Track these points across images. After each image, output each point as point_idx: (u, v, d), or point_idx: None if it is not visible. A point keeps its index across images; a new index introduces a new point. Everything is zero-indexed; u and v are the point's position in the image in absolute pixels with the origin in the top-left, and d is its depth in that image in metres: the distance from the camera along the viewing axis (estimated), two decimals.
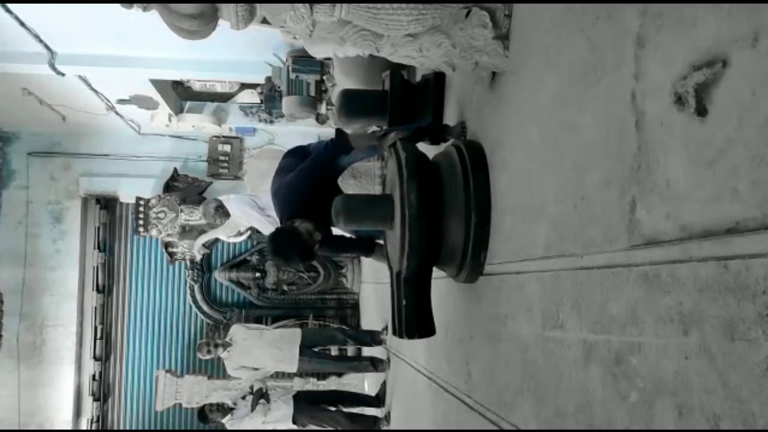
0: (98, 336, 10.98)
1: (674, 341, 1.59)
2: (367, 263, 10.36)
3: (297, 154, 4.37)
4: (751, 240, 1.35)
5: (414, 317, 3.44)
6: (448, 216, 3.32)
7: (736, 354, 1.37)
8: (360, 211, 3.61)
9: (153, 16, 2.88)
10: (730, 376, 1.38)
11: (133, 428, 11.21)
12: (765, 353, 1.27)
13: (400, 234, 3.26)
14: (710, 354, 1.45)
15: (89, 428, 10.93)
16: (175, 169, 11.00)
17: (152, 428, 11.17)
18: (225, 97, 10.23)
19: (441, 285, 4.41)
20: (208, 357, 7.50)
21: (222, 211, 8.83)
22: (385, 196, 3.53)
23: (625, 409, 1.83)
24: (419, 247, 3.24)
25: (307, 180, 4.08)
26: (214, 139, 10.99)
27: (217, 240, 10.47)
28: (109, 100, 9.51)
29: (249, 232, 9.07)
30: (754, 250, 1.33)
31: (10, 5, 6.54)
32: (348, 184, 7.36)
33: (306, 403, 7.40)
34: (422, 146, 4.62)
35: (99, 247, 10.90)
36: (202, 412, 7.41)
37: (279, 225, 4.27)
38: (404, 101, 4.98)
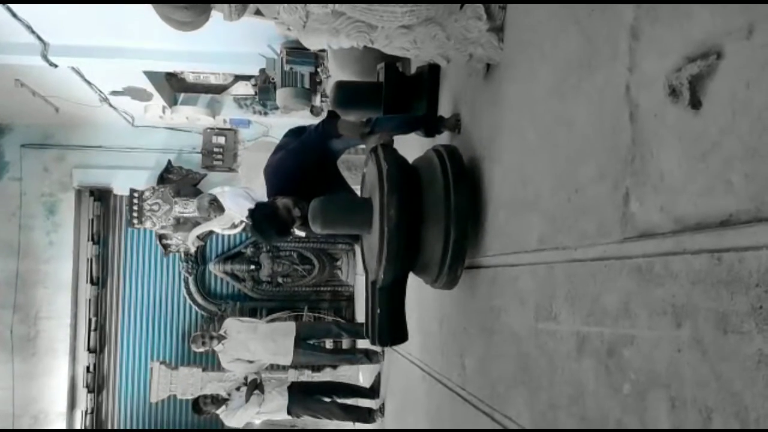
0: (92, 328, 10.95)
1: (667, 334, 1.60)
2: None
3: (295, 133, 4.36)
4: (744, 232, 1.35)
5: (387, 326, 3.45)
6: (427, 227, 3.29)
7: (728, 346, 1.37)
8: (337, 216, 3.59)
9: (146, 7, 2.86)
10: (722, 369, 1.38)
11: (128, 419, 11.21)
12: (757, 346, 1.27)
13: (378, 245, 3.24)
14: (703, 346, 1.45)
15: (83, 419, 10.92)
16: (169, 161, 10.96)
17: (147, 419, 11.17)
18: (219, 89, 10.19)
19: None
20: (202, 349, 7.50)
21: (216, 205, 8.82)
22: (363, 202, 3.49)
23: (618, 401, 1.83)
24: (396, 261, 3.24)
25: (294, 160, 4.08)
26: (209, 131, 10.95)
27: (211, 232, 10.45)
28: (102, 92, 9.46)
29: (243, 225, 9.06)
30: (748, 242, 1.33)
31: None
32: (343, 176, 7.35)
33: (301, 394, 7.41)
34: (417, 140, 4.62)
35: (93, 239, 10.86)
36: (197, 404, 7.41)
37: None
38: (399, 93, 4.98)
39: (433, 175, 3.33)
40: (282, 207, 3.85)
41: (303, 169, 4.01)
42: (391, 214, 3.14)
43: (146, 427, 11.21)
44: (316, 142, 4.07)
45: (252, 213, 4.02)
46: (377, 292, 3.40)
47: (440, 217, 3.22)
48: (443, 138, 4.22)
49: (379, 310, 3.41)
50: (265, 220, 3.92)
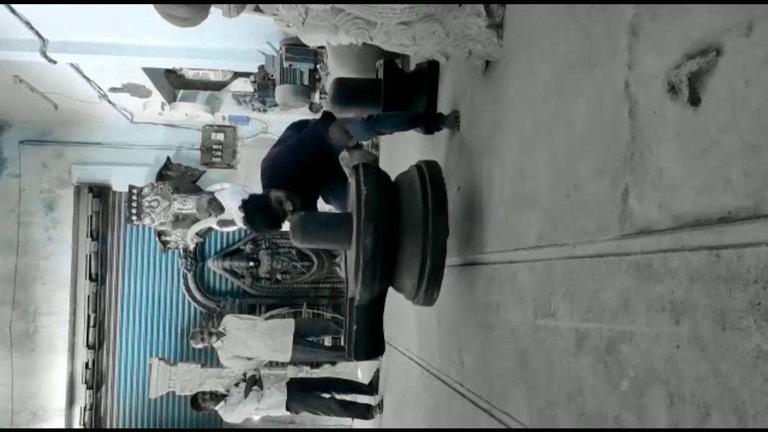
0: (91, 324, 10.94)
1: (665, 330, 1.60)
2: None
3: (297, 127, 4.35)
4: (743, 229, 1.35)
5: (363, 341, 3.48)
6: (404, 253, 3.29)
7: (727, 343, 1.37)
8: (317, 232, 3.60)
9: (145, 4, 2.86)
10: (720, 365, 1.39)
11: (127, 416, 11.21)
12: (756, 342, 1.28)
13: (354, 268, 3.26)
14: (701, 343, 1.46)
15: (82, 416, 10.92)
16: (168, 158, 10.95)
17: (145, 416, 11.17)
18: (218, 86, 10.17)
19: None
20: (201, 345, 7.51)
21: (215, 204, 8.81)
22: (344, 218, 3.49)
23: (617, 397, 1.84)
24: (371, 286, 3.25)
25: (290, 155, 4.08)
26: (208, 127, 10.94)
27: (210, 229, 10.44)
28: (101, 89, 9.45)
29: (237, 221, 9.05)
30: (746, 239, 1.33)
31: None
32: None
33: (299, 391, 7.42)
34: (416, 137, 4.62)
35: (92, 236, 10.85)
36: (195, 400, 7.42)
37: None
38: (398, 90, 4.98)
39: (413, 200, 3.32)
40: (274, 200, 3.85)
41: (299, 165, 4.01)
42: (366, 243, 3.15)
43: (145, 424, 11.21)
44: (313, 139, 4.07)
45: (245, 204, 4.03)
46: (354, 309, 3.42)
47: (418, 245, 3.22)
48: (443, 135, 4.22)
49: (355, 327, 3.43)
50: (256, 211, 3.93)
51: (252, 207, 3.96)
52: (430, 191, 3.29)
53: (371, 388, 7.54)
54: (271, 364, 8.98)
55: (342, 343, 9.06)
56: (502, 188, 3.07)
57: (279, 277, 10.95)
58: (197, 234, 10.47)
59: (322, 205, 4.51)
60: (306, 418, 9.75)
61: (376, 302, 3.40)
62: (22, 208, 10.86)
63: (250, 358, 7.48)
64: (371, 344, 3.49)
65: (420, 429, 4.87)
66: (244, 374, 7.57)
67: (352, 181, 3.43)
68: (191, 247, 10.74)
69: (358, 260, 3.19)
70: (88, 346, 10.95)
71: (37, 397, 10.94)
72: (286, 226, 3.87)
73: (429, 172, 3.40)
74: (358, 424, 8.28)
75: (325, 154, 4.13)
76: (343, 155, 4.05)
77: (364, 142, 7.88)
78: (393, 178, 3.68)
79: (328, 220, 3.70)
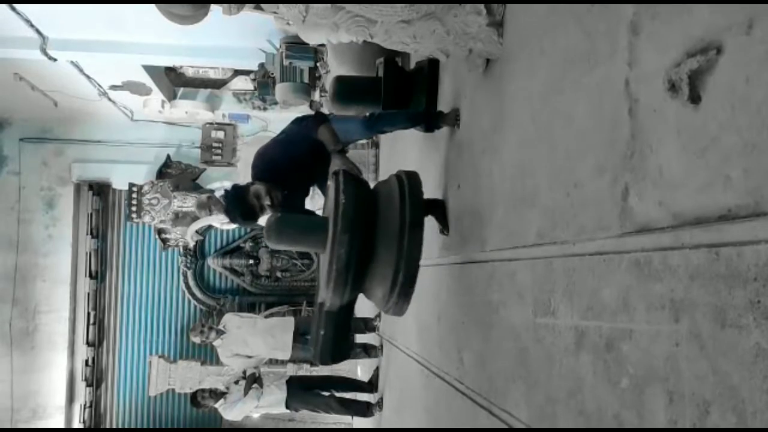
0: (91, 322, 10.95)
1: (665, 328, 1.60)
2: None
3: (300, 121, 4.34)
4: (742, 227, 1.35)
5: (329, 347, 3.49)
6: (377, 264, 3.29)
7: (726, 340, 1.37)
8: (291, 235, 3.61)
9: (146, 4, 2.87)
10: (720, 363, 1.39)
11: (127, 413, 11.22)
12: (755, 340, 1.28)
13: (326, 274, 3.27)
14: (701, 341, 1.46)
15: (82, 413, 10.93)
16: (168, 156, 10.96)
17: (145, 413, 11.18)
18: (218, 84, 10.18)
19: (433, 272, 4.41)
20: (200, 338, 7.49)
21: (215, 202, 8.80)
22: (320, 224, 3.49)
23: (616, 395, 1.84)
24: (341, 295, 3.26)
25: (278, 150, 4.09)
26: (208, 125, 10.94)
27: (210, 227, 10.45)
28: (101, 86, 9.45)
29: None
30: (746, 237, 1.33)
31: None
32: None
33: (299, 388, 7.41)
34: (416, 135, 4.63)
35: (92, 234, 10.86)
36: (195, 398, 7.42)
37: None
38: (398, 88, 4.98)
39: (391, 212, 3.32)
40: (253, 192, 3.85)
41: (287, 160, 3.99)
42: (340, 254, 3.16)
43: (145, 421, 11.22)
44: (303, 136, 4.05)
45: (225, 193, 4.03)
46: (323, 313, 3.43)
47: (391, 258, 3.22)
48: (443, 133, 4.22)
49: (323, 332, 3.45)
50: (233, 201, 3.94)
51: (230, 197, 3.97)
52: (408, 205, 3.29)
53: (371, 385, 7.55)
54: (271, 362, 9.00)
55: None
56: (502, 186, 3.07)
57: (279, 275, 10.96)
58: (197, 232, 10.48)
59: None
60: (305, 416, 9.76)
61: (346, 309, 3.41)
62: (22, 205, 10.87)
63: (249, 356, 7.48)
64: (337, 349, 3.51)
65: (420, 429, 4.87)
66: (244, 372, 7.56)
67: (331, 185, 3.43)
68: (191, 244, 10.75)
69: (331, 268, 3.20)
70: (88, 343, 10.96)
71: (37, 395, 10.95)
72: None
73: (409, 185, 3.39)
74: (358, 421, 8.29)
75: (317, 150, 4.11)
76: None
77: (363, 141, 7.91)
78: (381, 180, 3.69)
79: (304, 225, 3.69)
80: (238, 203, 3.91)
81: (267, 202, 3.84)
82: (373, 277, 3.29)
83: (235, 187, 4.05)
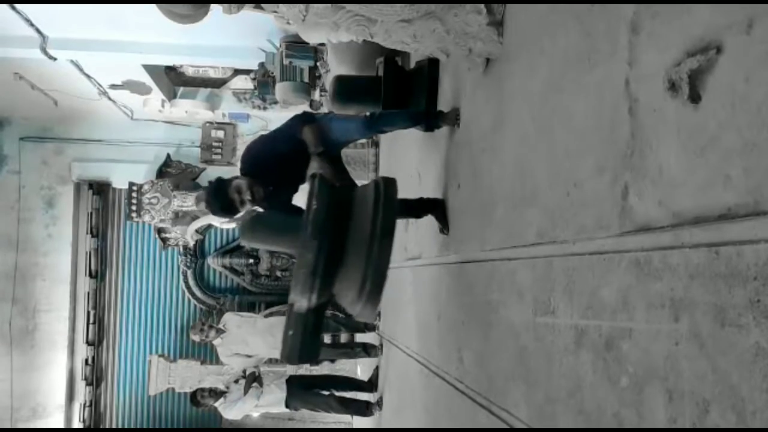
0: (91, 321, 10.95)
1: (665, 327, 1.60)
2: None
3: (293, 118, 4.33)
4: (742, 226, 1.35)
5: (297, 347, 3.50)
6: (346, 270, 3.30)
7: (726, 339, 1.37)
8: (264, 235, 3.68)
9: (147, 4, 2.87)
10: (720, 362, 1.39)
11: (126, 412, 11.22)
12: (755, 339, 1.28)
13: (295, 277, 3.28)
14: (701, 340, 1.46)
15: (82, 412, 10.93)
16: (168, 155, 10.95)
17: (145, 412, 11.19)
18: (218, 83, 10.17)
19: (433, 271, 4.42)
20: (199, 337, 7.49)
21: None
22: (292, 226, 3.49)
23: (616, 394, 1.84)
24: (309, 298, 3.27)
25: (262, 145, 4.09)
26: (208, 125, 10.93)
27: (210, 226, 10.44)
28: (101, 86, 9.44)
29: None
30: (746, 236, 1.34)
31: None
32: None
33: (299, 388, 7.41)
34: (415, 134, 4.63)
35: (92, 233, 10.86)
36: (195, 397, 7.42)
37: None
38: (398, 87, 4.98)
39: (364, 219, 3.32)
40: (234, 186, 3.84)
41: (272, 155, 3.97)
42: (308, 259, 3.17)
43: (145, 420, 11.22)
44: (288, 134, 4.03)
45: (209, 184, 4.03)
46: (292, 314, 3.44)
47: (360, 265, 3.23)
48: (443, 132, 4.22)
49: (291, 332, 3.46)
50: (213, 193, 3.93)
51: (211, 189, 3.97)
52: (381, 214, 3.29)
53: (370, 385, 7.55)
54: (271, 361, 9.00)
55: (340, 341, 9.08)
56: (501, 185, 3.07)
57: (279, 274, 10.95)
58: (197, 231, 10.48)
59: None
60: (305, 415, 9.76)
61: (315, 311, 3.43)
62: (22, 204, 10.87)
63: (249, 356, 7.48)
64: (305, 350, 3.52)
65: (419, 429, 4.87)
66: (244, 371, 7.56)
67: (310, 189, 3.44)
68: (191, 244, 10.75)
69: (299, 272, 3.22)
70: (87, 342, 10.96)
71: (37, 394, 10.95)
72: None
73: (384, 194, 3.39)
74: (358, 421, 8.29)
75: (303, 149, 4.09)
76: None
77: (363, 140, 7.91)
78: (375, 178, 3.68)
79: (277, 226, 3.71)
80: (218, 196, 3.90)
81: (247, 197, 3.83)
82: (343, 281, 3.30)
83: (218, 179, 4.05)
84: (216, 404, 7.32)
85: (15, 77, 8.77)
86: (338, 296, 3.43)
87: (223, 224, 9.82)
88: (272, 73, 8.47)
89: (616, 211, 1.90)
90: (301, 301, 3.26)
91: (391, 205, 3.36)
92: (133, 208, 10.35)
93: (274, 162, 3.94)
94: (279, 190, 4.00)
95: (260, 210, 4.15)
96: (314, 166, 3.63)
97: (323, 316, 3.60)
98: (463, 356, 3.64)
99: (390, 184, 3.46)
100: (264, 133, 4.63)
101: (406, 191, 5.05)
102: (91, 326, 10.96)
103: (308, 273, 3.18)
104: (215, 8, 3.03)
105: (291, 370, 9.15)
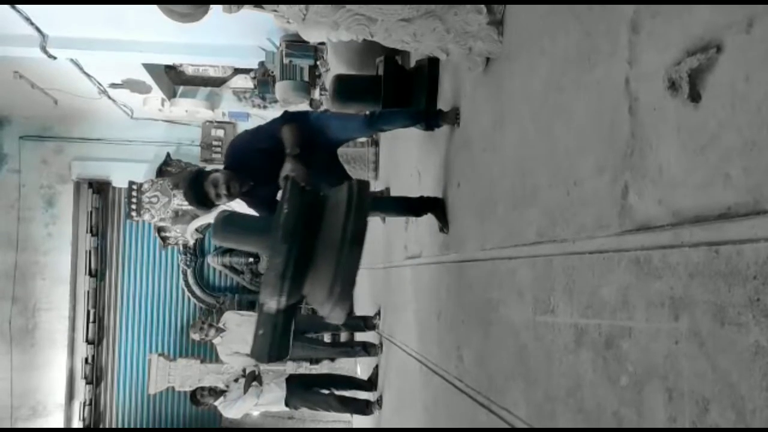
0: (91, 320, 10.97)
1: (665, 326, 1.60)
2: None
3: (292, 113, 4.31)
4: (742, 225, 1.35)
5: (266, 346, 3.52)
6: (317, 270, 3.30)
7: (726, 338, 1.38)
8: (235, 235, 3.72)
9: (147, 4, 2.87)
10: (719, 360, 1.39)
11: (126, 411, 11.24)
12: (754, 337, 1.28)
13: (264, 278, 3.30)
14: (700, 338, 1.46)
15: (81, 411, 10.94)
16: (168, 154, 10.96)
17: (145, 411, 11.20)
18: (218, 82, 10.18)
19: (433, 270, 4.42)
20: (199, 335, 7.50)
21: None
22: (265, 227, 3.49)
23: (615, 393, 1.84)
24: (278, 300, 3.28)
25: (245, 142, 4.09)
26: (207, 124, 10.95)
27: (210, 225, 10.44)
28: (101, 84, 9.45)
29: None
30: (746, 235, 1.34)
31: None
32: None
33: (299, 386, 7.41)
34: (415, 133, 4.62)
35: (91, 232, 10.87)
36: (194, 396, 7.43)
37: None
38: (398, 87, 4.98)
39: (335, 223, 3.31)
40: (210, 179, 3.83)
41: (253, 150, 3.95)
42: (276, 263, 3.18)
43: (144, 419, 11.24)
44: (271, 133, 4.02)
45: (189, 173, 4.03)
46: (263, 314, 3.46)
47: (330, 269, 3.23)
48: (443, 131, 4.22)
49: (261, 332, 3.48)
50: (189, 183, 3.92)
51: (189, 179, 3.96)
52: (353, 219, 3.28)
53: (370, 384, 7.55)
54: None
55: (340, 340, 9.08)
56: (501, 184, 3.08)
57: None
58: (197, 230, 10.48)
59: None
60: (305, 414, 9.77)
61: (285, 312, 3.44)
62: (22, 203, 10.88)
63: (249, 355, 7.48)
64: (274, 349, 3.54)
65: (419, 429, 4.87)
66: (244, 370, 7.57)
67: (282, 189, 3.44)
68: (191, 243, 10.76)
69: (268, 274, 3.24)
70: (87, 341, 10.98)
71: (37, 393, 10.97)
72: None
73: (357, 198, 3.38)
74: (357, 420, 8.29)
75: (282, 148, 4.07)
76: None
77: (363, 139, 7.91)
78: (365, 180, 3.67)
79: (248, 226, 3.73)
80: (194, 187, 3.89)
81: (223, 191, 3.82)
82: (314, 282, 3.31)
83: (198, 170, 4.05)
84: (216, 403, 7.33)
85: (15, 76, 8.79)
86: (309, 297, 3.44)
87: None
88: (272, 72, 8.48)
89: (616, 210, 1.91)
90: (270, 302, 3.28)
91: (362, 211, 3.36)
92: (133, 207, 10.36)
93: (256, 158, 3.91)
94: (260, 186, 3.98)
95: (241, 205, 4.14)
96: (287, 168, 3.58)
97: (294, 316, 3.61)
98: (462, 355, 3.64)
99: (363, 189, 3.44)
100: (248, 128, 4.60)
101: (406, 190, 5.06)
102: (91, 325, 10.98)
103: (277, 276, 3.19)
104: (215, 7, 3.03)
105: (291, 368, 9.17)
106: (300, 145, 3.73)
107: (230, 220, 3.73)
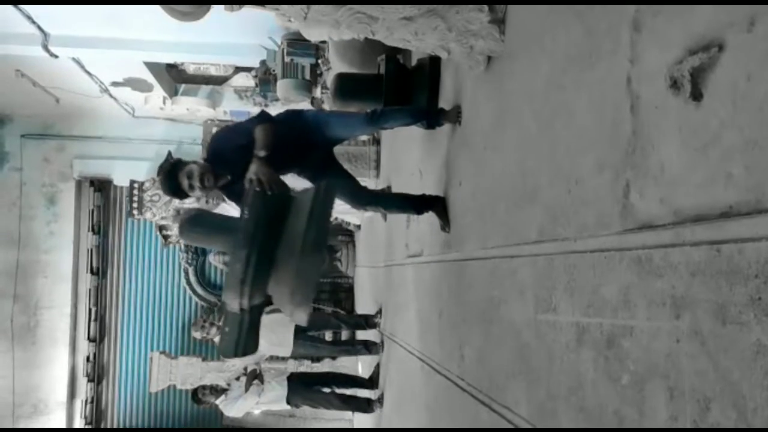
0: (92, 318, 10.98)
1: (666, 324, 1.60)
2: (362, 248, 10.37)
3: (288, 114, 4.30)
4: (744, 224, 1.35)
5: (232, 343, 3.53)
6: (278, 274, 3.30)
7: (727, 337, 1.38)
8: (200, 234, 3.73)
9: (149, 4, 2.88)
10: (721, 359, 1.39)
11: (128, 409, 11.25)
12: (756, 336, 1.28)
13: (226, 280, 3.32)
14: (702, 337, 1.46)
15: (83, 409, 10.96)
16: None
17: (146, 409, 11.21)
18: (219, 81, 10.18)
19: (434, 269, 4.42)
20: (200, 334, 7.51)
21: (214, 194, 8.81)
22: (230, 228, 3.48)
23: (617, 391, 1.85)
24: (240, 302, 3.29)
25: (224, 136, 4.10)
26: (209, 122, 10.93)
27: None
28: (103, 83, 9.46)
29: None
30: (747, 234, 1.34)
31: None
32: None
33: (300, 385, 7.42)
34: (417, 131, 4.63)
35: (93, 230, 10.89)
36: (196, 394, 7.44)
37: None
38: (399, 85, 4.97)
39: (296, 231, 3.31)
40: (186, 170, 3.81)
41: (232, 148, 3.93)
42: (236, 268, 3.19)
43: (146, 417, 11.26)
44: (247, 130, 4.00)
45: (167, 162, 4.03)
46: (227, 313, 3.47)
47: (289, 277, 3.24)
48: (444, 130, 4.22)
49: (227, 329, 3.49)
50: (166, 173, 3.91)
51: (164, 168, 3.95)
52: (313, 227, 3.27)
53: (371, 382, 7.56)
54: (272, 358, 9.02)
55: (341, 338, 9.10)
56: (503, 183, 3.08)
57: None
58: None
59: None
60: (306, 412, 9.78)
61: (250, 312, 3.44)
62: (24, 201, 10.89)
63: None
64: (239, 346, 3.56)
65: (420, 429, 4.88)
66: (245, 368, 7.57)
67: (248, 189, 3.44)
68: None
69: (229, 278, 3.25)
70: (89, 339, 10.99)
71: (39, 390, 10.98)
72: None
73: (320, 205, 3.36)
74: (358, 418, 8.30)
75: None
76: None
77: (364, 138, 7.91)
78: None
79: (213, 227, 3.73)
80: (169, 177, 3.88)
81: (197, 183, 3.80)
82: (277, 283, 3.32)
83: (176, 161, 4.03)
84: (217, 402, 7.33)
85: (17, 74, 8.79)
86: (273, 298, 3.44)
87: None
88: (273, 70, 8.48)
89: (617, 209, 1.91)
90: (232, 304, 3.29)
91: (324, 219, 3.37)
92: (135, 205, 10.37)
93: (234, 154, 3.88)
94: (237, 181, 3.97)
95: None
96: (252, 170, 3.53)
97: (260, 314, 3.62)
98: (464, 353, 3.64)
99: (327, 195, 3.43)
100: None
101: (407, 189, 5.05)
102: (92, 323, 11.00)
103: (237, 281, 3.20)
104: (217, 6, 3.03)
105: (292, 367, 9.18)
106: (271, 147, 3.66)
107: (198, 220, 3.74)
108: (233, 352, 3.67)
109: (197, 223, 3.72)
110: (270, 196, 3.39)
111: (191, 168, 3.81)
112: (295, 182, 4.12)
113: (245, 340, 3.53)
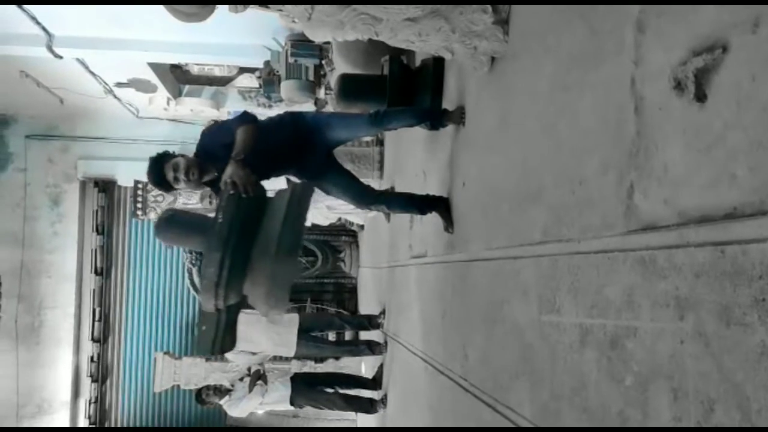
0: (96, 318, 11.00)
1: (670, 325, 1.60)
2: (365, 249, 10.37)
3: (288, 116, 4.29)
4: (748, 225, 1.35)
5: (209, 342, 3.55)
6: (253, 275, 3.30)
7: (731, 338, 1.38)
8: (175, 234, 3.74)
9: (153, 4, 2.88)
10: (725, 360, 1.39)
11: (131, 409, 11.26)
12: (760, 337, 1.28)
13: (201, 281, 3.32)
14: (706, 338, 1.46)
15: (87, 409, 10.97)
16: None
17: (150, 409, 11.22)
18: (223, 81, 10.19)
19: (438, 269, 4.42)
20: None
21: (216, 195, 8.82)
22: (205, 229, 3.48)
23: (620, 392, 1.85)
24: (215, 303, 3.29)
25: (212, 133, 4.09)
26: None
27: None
28: (107, 84, 9.47)
29: None
30: (752, 235, 1.34)
31: None
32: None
33: (303, 385, 7.43)
34: (420, 132, 4.63)
35: (97, 230, 10.91)
36: (200, 394, 7.44)
37: None
38: (403, 86, 4.98)
39: (270, 233, 3.31)
40: (172, 163, 3.82)
41: (218, 144, 3.91)
42: (209, 272, 3.19)
43: (150, 417, 11.27)
44: (231, 129, 3.99)
45: (156, 153, 4.02)
46: (203, 312, 3.49)
47: (264, 279, 3.24)
48: (448, 130, 4.23)
49: (204, 328, 3.51)
50: (153, 164, 3.91)
51: (152, 160, 3.95)
52: (288, 230, 3.27)
53: (375, 382, 7.56)
54: (276, 359, 9.02)
55: (344, 338, 9.09)
56: (507, 184, 3.08)
57: None
58: None
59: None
60: (310, 413, 9.78)
61: (227, 311, 3.45)
62: (28, 202, 10.91)
63: (254, 353, 7.49)
64: (217, 344, 3.58)
65: (423, 429, 4.88)
66: (249, 369, 7.58)
67: (223, 191, 3.44)
68: None
69: (203, 280, 3.27)
70: (93, 339, 11.01)
71: (43, 390, 11.00)
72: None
73: (297, 207, 3.36)
74: (362, 418, 8.30)
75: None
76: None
77: (368, 138, 7.91)
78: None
79: (189, 227, 3.73)
80: (155, 168, 3.89)
81: (182, 176, 3.81)
82: (253, 284, 3.32)
83: (163, 153, 4.03)
84: (221, 402, 7.34)
85: (21, 75, 8.80)
86: (249, 297, 3.44)
87: None
88: (277, 71, 8.48)
89: (621, 210, 1.91)
90: (207, 303, 3.30)
91: (299, 221, 3.36)
92: (139, 205, 10.37)
93: (220, 151, 3.88)
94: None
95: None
96: (227, 173, 3.51)
97: (237, 312, 3.63)
98: (467, 354, 3.64)
99: (303, 198, 3.42)
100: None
101: (411, 190, 5.05)
102: (96, 323, 11.01)
103: (211, 284, 3.21)
104: (221, 7, 3.03)
105: (295, 367, 9.17)
106: (250, 149, 3.63)
107: (173, 220, 3.74)
108: (210, 350, 3.70)
109: (172, 223, 3.72)
110: (244, 199, 3.38)
111: (177, 161, 3.82)
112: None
113: (222, 339, 3.54)
